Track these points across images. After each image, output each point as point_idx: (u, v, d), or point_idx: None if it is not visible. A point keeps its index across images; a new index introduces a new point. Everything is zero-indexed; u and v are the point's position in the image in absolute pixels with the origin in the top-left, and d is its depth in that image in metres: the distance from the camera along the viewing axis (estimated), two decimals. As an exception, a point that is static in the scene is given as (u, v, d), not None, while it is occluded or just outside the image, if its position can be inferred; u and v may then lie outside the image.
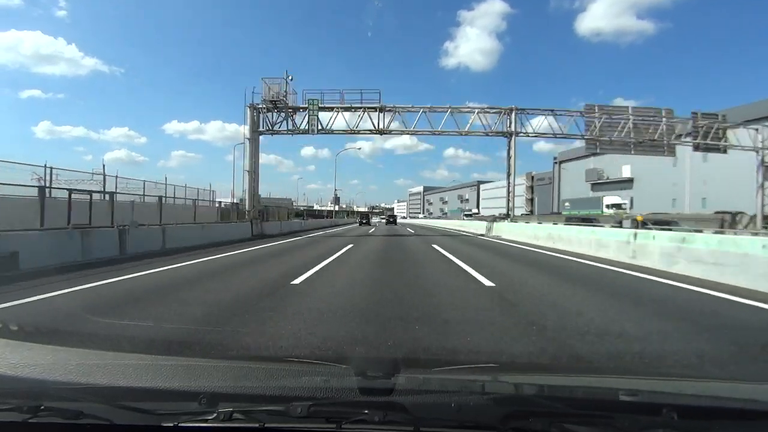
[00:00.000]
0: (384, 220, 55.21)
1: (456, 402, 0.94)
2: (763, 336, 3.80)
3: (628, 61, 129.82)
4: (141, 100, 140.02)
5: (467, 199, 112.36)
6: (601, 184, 52.26)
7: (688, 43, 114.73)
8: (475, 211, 58.75)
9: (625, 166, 49.00)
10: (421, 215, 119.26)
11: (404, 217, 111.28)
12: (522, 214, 54.72)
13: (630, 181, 48.19)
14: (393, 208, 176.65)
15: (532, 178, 76.04)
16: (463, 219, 49.58)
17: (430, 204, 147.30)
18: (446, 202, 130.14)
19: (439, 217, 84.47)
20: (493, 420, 0.88)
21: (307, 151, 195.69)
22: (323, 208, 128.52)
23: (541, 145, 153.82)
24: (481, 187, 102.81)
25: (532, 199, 75.59)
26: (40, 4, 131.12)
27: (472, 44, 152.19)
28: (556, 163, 64.45)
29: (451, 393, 1.07)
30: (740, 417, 0.97)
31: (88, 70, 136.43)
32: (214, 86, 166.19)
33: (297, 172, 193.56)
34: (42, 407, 0.89)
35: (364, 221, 47.44)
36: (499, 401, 1.05)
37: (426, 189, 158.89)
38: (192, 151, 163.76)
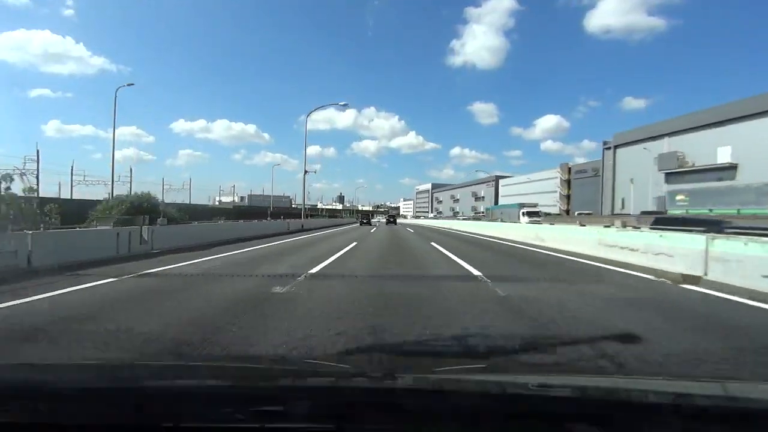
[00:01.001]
0: (385, 220, 53.60)
1: (456, 402, 0.94)
2: None
3: (639, 59, 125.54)
4: (148, 98, 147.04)
5: (482, 197, 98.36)
6: (682, 173, 38.11)
7: (700, 40, 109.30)
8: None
9: (722, 148, 34.77)
10: (431, 214, 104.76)
11: (417, 217, 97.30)
12: (580, 213, 40.01)
13: (731, 168, 34.01)
14: (398, 207, 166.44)
15: (569, 170, 61.87)
16: (522, 221, 32.64)
17: (439, 202, 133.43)
18: (458, 200, 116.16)
19: (450, 217, 70.68)
20: (493, 420, 0.88)
21: (313, 150, 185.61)
22: (326, 207, 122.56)
23: (549, 144, 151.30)
24: (501, 182, 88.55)
25: (568, 196, 61.47)
26: (47, 3, 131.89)
27: (479, 42, 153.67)
28: (607, 148, 50.09)
29: (451, 393, 1.08)
30: (740, 417, 0.94)
31: (96, 69, 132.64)
32: (220, 85, 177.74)
33: (302, 171, 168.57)
34: (42, 407, 0.89)
35: (364, 221, 44.95)
36: (499, 401, 1.03)
37: (435, 186, 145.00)
38: (199, 150, 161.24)
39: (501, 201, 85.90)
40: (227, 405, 0.90)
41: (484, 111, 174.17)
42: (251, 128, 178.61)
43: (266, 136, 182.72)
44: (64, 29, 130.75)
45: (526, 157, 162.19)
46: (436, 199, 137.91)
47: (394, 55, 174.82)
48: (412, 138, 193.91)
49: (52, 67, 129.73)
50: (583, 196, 55.31)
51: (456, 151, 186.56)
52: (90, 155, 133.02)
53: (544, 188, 67.61)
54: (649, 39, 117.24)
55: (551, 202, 64.05)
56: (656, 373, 2.37)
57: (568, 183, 61.54)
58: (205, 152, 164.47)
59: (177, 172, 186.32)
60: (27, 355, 3.11)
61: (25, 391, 0.99)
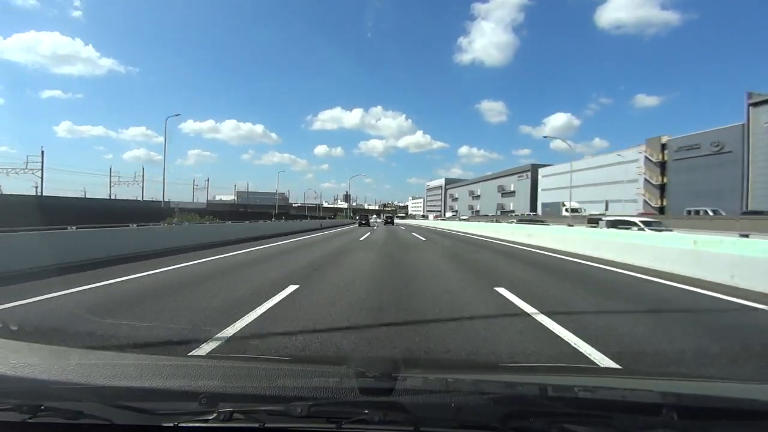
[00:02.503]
0: (382, 221, 54.41)
1: (456, 402, 0.93)
2: None
3: (652, 55, 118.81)
4: (157, 99, 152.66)
5: (512, 191, 79.35)
6: None
7: (716, 34, 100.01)
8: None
9: None
10: (449, 214, 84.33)
11: (440, 216, 77.94)
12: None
13: None
14: (407, 207, 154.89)
15: (663, 146, 42.65)
16: None
17: (455, 200, 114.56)
18: (478, 196, 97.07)
19: (473, 218, 51.23)
20: (493, 420, 0.87)
21: (321, 149, 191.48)
22: (333, 206, 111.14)
23: (558, 143, 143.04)
24: (541, 171, 69.24)
25: (662, 186, 42.35)
26: (55, 4, 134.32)
27: (487, 38, 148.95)
28: (756, 104, 30.75)
29: (451, 393, 1.06)
30: (740, 417, 0.95)
31: (105, 70, 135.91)
32: (228, 85, 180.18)
33: (311, 171, 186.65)
34: (42, 407, 0.89)
35: (363, 222, 43.17)
36: (499, 401, 1.04)
37: (448, 182, 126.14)
38: (208, 150, 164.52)
39: (542, 197, 66.79)
40: (227, 405, 0.89)
41: (493, 109, 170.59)
42: (259, 128, 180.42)
43: (274, 135, 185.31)
44: (73, 31, 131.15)
45: (535, 156, 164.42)
46: (451, 196, 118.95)
47: (401, 53, 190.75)
48: (419, 137, 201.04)
49: (63, 68, 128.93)
50: (694, 184, 36.22)
51: (464, 150, 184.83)
52: (101, 156, 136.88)
53: (613, 177, 48.50)
54: (663, 34, 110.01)
55: (628, 196, 45.00)
56: (656, 373, 2.34)
57: (662, 167, 42.35)
58: (214, 152, 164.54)
59: (187, 171, 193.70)
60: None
61: (27, 390, 1.00)
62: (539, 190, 67.58)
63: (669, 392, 1.19)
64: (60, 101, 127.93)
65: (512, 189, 79.53)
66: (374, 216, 78.03)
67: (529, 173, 72.00)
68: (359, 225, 40.12)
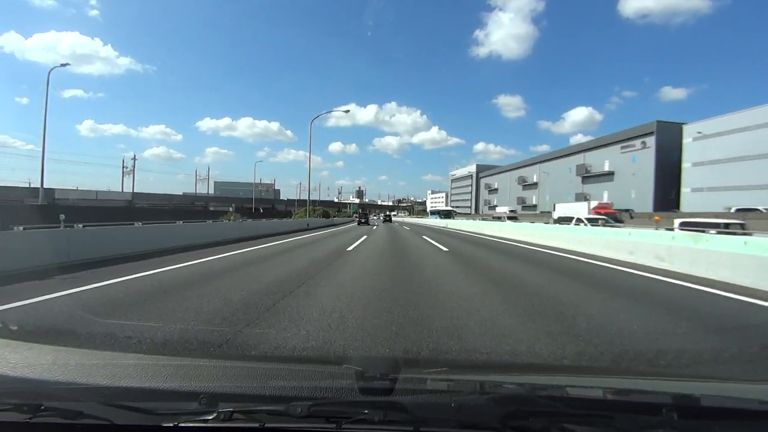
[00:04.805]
0: (382, 219, 52.62)
1: (456, 402, 0.94)
2: None
3: (679, 45, 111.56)
4: (174, 97, 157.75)
5: (607, 173, 50.05)
6: None
7: (749, 22, 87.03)
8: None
9: None
10: (503, 209, 52.91)
11: (472, 212, 48.86)
12: None
13: None
14: (425, 202, 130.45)
15: None
16: None
17: (492, 191, 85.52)
18: (533, 184, 67.89)
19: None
20: (493, 420, 0.88)
21: (335, 146, 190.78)
22: (346, 202, 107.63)
23: (579, 138, 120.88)
24: (687, 130, 39.46)
25: None
26: (72, 4, 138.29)
27: (505, 30, 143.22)
28: None
29: (451, 393, 1.08)
30: (740, 417, 0.96)
31: (123, 69, 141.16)
32: (244, 84, 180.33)
33: (326, 168, 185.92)
34: (42, 407, 0.90)
35: (363, 220, 40.32)
36: (499, 401, 1.04)
37: (481, 169, 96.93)
38: (225, 148, 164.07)
39: (689, 177, 37.39)
40: (227, 405, 0.89)
41: (510, 104, 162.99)
42: (275, 125, 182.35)
43: (289, 133, 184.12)
44: (92, 30, 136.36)
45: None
46: (487, 186, 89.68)
47: (415, 48, 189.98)
48: (434, 133, 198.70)
49: (83, 67, 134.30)
50: None
51: (480, 146, 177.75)
52: (122, 154, 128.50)
53: None
54: (692, 22, 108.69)
55: None
56: (656, 373, 2.32)
57: None
58: (231, 150, 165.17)
59: (205, 168, 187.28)
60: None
61: (27, 390, 1.01)
62: (685, 165, 38.10)
63: (669, 392, 1.17)
64: (82, 100, 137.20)
65: (607, 169, 50.08)
66: (374, 215, 72.65)
67: (653, 137, 42.43)
68: (358, 224, 36.96)
